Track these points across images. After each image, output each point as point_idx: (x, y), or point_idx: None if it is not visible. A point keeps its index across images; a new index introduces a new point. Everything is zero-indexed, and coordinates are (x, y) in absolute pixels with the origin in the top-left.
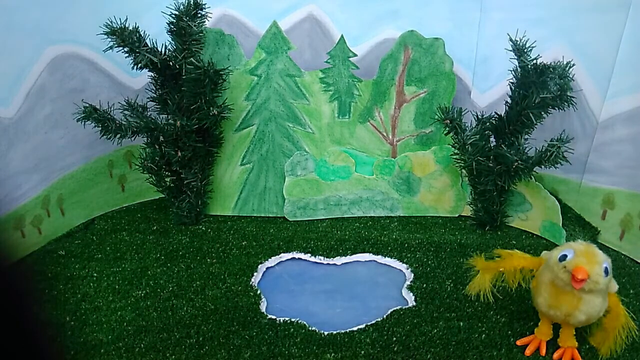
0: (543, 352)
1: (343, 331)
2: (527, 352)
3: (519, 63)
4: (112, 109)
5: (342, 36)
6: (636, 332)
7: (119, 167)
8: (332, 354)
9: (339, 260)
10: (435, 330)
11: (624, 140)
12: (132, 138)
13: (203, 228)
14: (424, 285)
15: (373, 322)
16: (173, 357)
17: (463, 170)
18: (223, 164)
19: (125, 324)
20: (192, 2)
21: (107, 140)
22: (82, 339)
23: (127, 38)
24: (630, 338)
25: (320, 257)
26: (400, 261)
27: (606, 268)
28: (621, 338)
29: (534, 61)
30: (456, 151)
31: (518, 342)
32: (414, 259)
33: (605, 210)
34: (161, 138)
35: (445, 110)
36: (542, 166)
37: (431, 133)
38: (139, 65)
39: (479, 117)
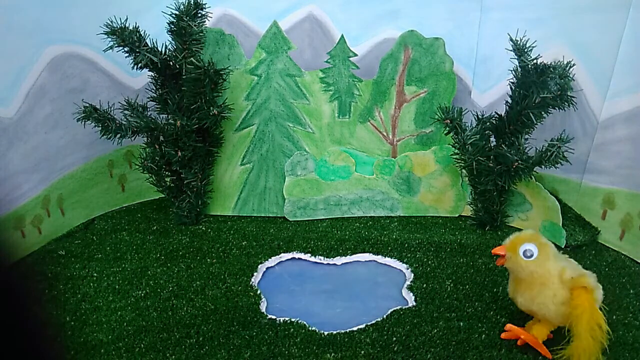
0: (520, 342)
1: (343, 331)
2: (503, 335)
3: (519, 63)
4: (112, 108)
5: (342, 36)
6: (609, 336)
7: (119, 167)
8: (332, 354)
9: (339, 260)
10: (435, 330)
11: (624, 140)
12: (132, 138)
13: (203, 228)
14: (424, 285)
15: (373, 322)
16: (173, 357)
17: (463, 170)
18: (223, 164)
19: (125, 324)
20: (192, 2)
21: (107, 140)
22: (82, 339)
23: (127, 38)
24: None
25: (320, 257)
26: (400, 261)
27: (526, 250)
28: (596, 341)
29: (534, 61)
30: (456, 151)
31: (503, 336)
32: (414, 259)
33: (605, 210)
34: (161, 138)
35: (445, 110)
36: (542, 166)
37: (431, 133)
38: (139, 65)
39: (479, 117)
